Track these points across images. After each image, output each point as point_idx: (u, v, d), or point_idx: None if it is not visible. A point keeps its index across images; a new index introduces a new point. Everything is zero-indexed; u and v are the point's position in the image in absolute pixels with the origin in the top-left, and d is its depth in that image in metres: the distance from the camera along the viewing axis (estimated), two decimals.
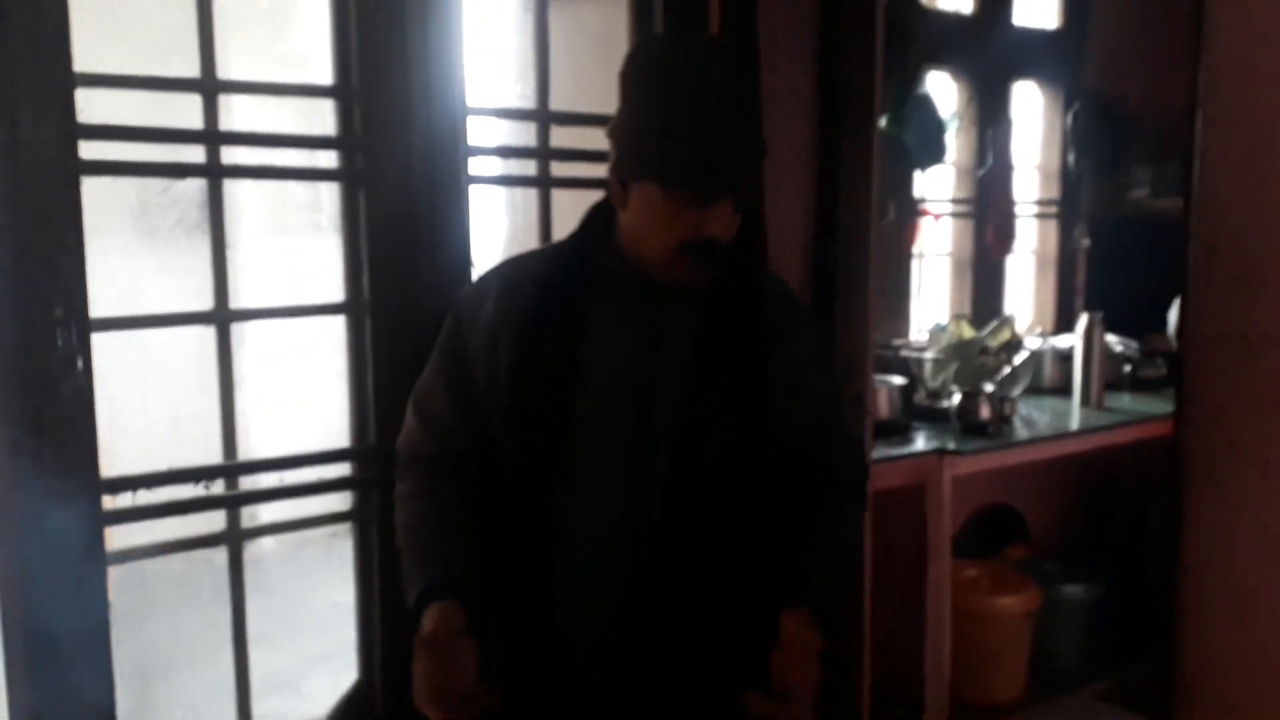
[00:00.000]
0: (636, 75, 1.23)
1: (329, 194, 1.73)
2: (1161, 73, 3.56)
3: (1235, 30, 1.30)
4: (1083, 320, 2.99)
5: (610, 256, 1.28)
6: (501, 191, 1.97)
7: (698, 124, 1.15)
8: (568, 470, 1.24)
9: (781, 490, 1.33)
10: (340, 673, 1.79)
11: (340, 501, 1.77)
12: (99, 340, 1.43)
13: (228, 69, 1.67)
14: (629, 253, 1.25)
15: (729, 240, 1.22)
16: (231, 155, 1.64)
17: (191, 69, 1.56)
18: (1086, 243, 3.80)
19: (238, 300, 1.65)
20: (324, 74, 1.71)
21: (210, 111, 1.58)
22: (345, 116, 1.71)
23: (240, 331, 1.75)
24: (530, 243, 1.95)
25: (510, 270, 1.34)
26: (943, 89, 3.48)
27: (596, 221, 1.32)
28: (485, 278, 1.36)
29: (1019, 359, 3.01)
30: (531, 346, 1.25)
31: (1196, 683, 1.39)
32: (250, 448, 1.72)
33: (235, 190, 2.08)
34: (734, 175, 1.19)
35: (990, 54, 3.50)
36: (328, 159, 1.74)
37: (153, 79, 1.58)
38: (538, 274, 1.30)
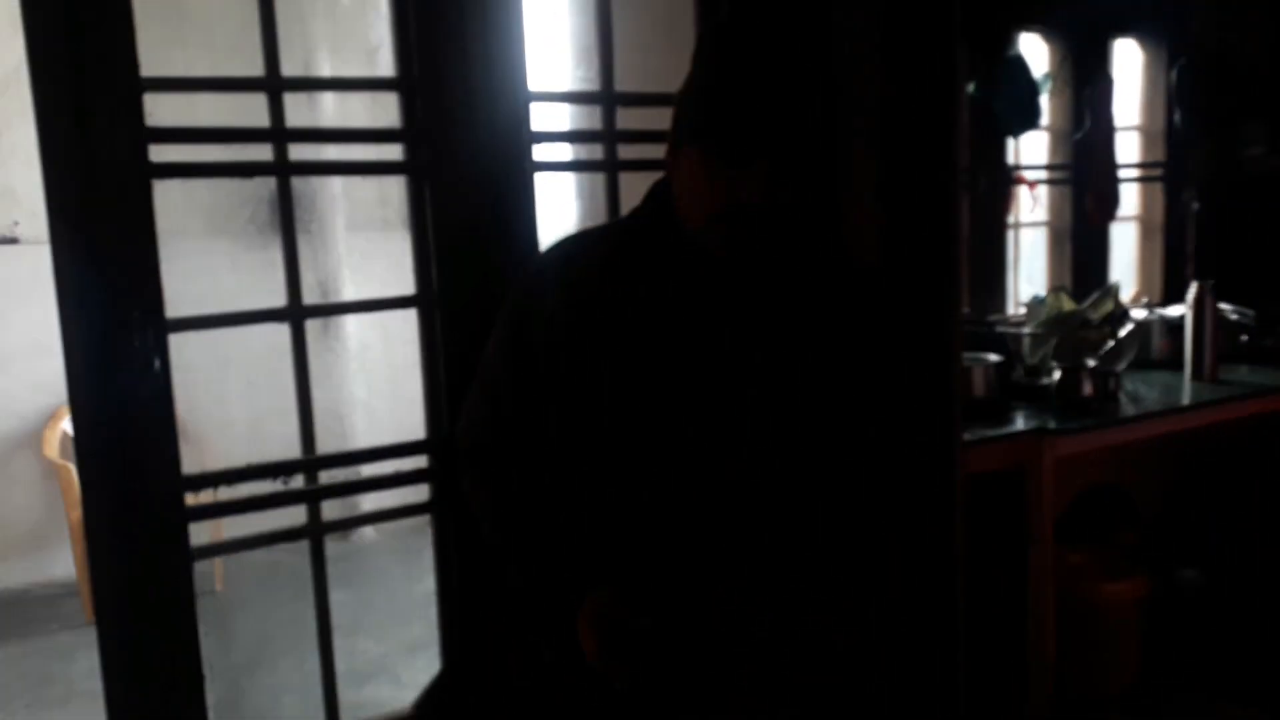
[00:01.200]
0: (696, 45, 1.23)
1: (397, 187, 1.73)
2: (1273, 20, 3.33)
3: None
4: (1193, 288, 2.82)
5: (667, 231, 1.25)
6: (569, 176, 1.94)
7: (731, 85, 1.14)
8: (628, 453, 1.21)
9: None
10: (436, 660, 1.80)
11: (419, 493, 1.77)
12: (176, 340, 1.46)
13: (294, 66, 1.68)
14: (683, 226, 1.23)
15: (764, 206, 1.17)
16: (315, 152, 1.65)
17: (256, 68, 1.57)
18: (1196, 206, 3.58)
19: (336, 294, 1.67)
20: (388, 66, 1.71)
21: (276, 109, 1.59)
22: (409, 108, 1.70)
23: (331, 327, 1.77)
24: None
25: (572, 248, 1.33)
26: (1035, 51, 3.32)
27: (657, 196, 1.29)
28: (546, 255, 1.35)
29: (1124, 331, 2.85)
30: (594, 325, 1.23)
31: None
32: (343, 440, 1.73)
33: (313, 187, 2.13)
34: (762, 137, 1.14)
35: (1085, 11, 3.32)
36: (393, 152, 1.74)
37: (217, 79, 1.60)
38: (599, 251, 1.28)
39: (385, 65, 1.72)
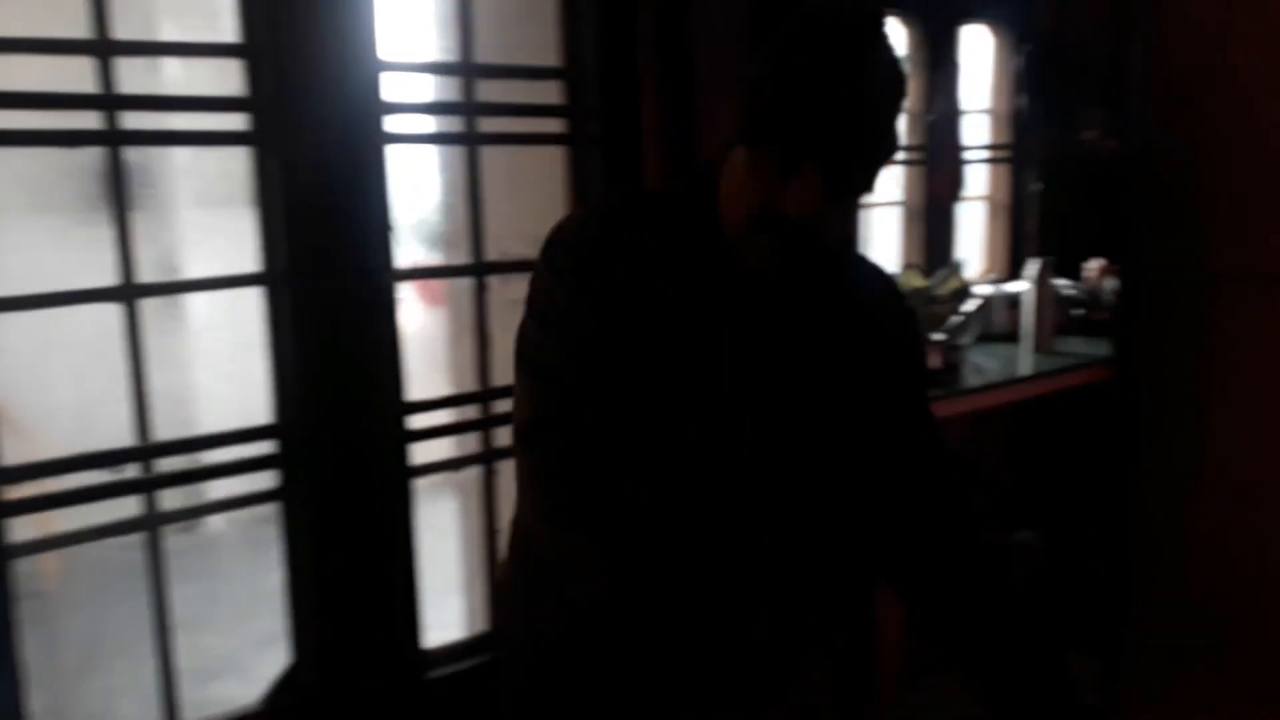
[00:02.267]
0: (773, 35, 1.06)
1: (242, 160, 1.64)
2: (1110, 13, 3.52)
3: None
4: (1032, 265, 2.96)
5: (708, 227, 1.12)
6: (435, 149, 1.89)
7: (800, 84, 0.99)
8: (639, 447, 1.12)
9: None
10: (286, 655, 1.74)
11: (266, 480, 1.70)
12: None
13: (131, 30, 1.57)
14: (723, 225, 1.12)
15: (809, 221, 1.04)
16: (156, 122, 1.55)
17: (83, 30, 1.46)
18: (1038, 187, 3.76)
19: (178, 272, 1.57)
20: (231, 32, 1.62)
21: (105, 74, 1.49)
22: (255, 76, 1.62)
23: (172, 307, 1.67)
24: (458, 201, 1.88)
25: (613, 227, 1.15)
26: (901, 36, 3.42)
27: (701, 186, 1.16)
28: (586, 223, 1.17)
29: (969, 306, 2.98)
30: (626, 316, 1.11)
31: (1147, 623, 1.38)
32: (185, 426, 1.64)
33: (151, 159, 1.98)
34: (826, 148, 1.00)
35: None
36: (238, 122, 1.65)
37: (40, 41, 1.48)
38: (637, 236, 1.13)
39: (231, 31, 1.62)
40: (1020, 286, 3.12)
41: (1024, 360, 2.89)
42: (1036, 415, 3.23)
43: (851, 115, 0.99)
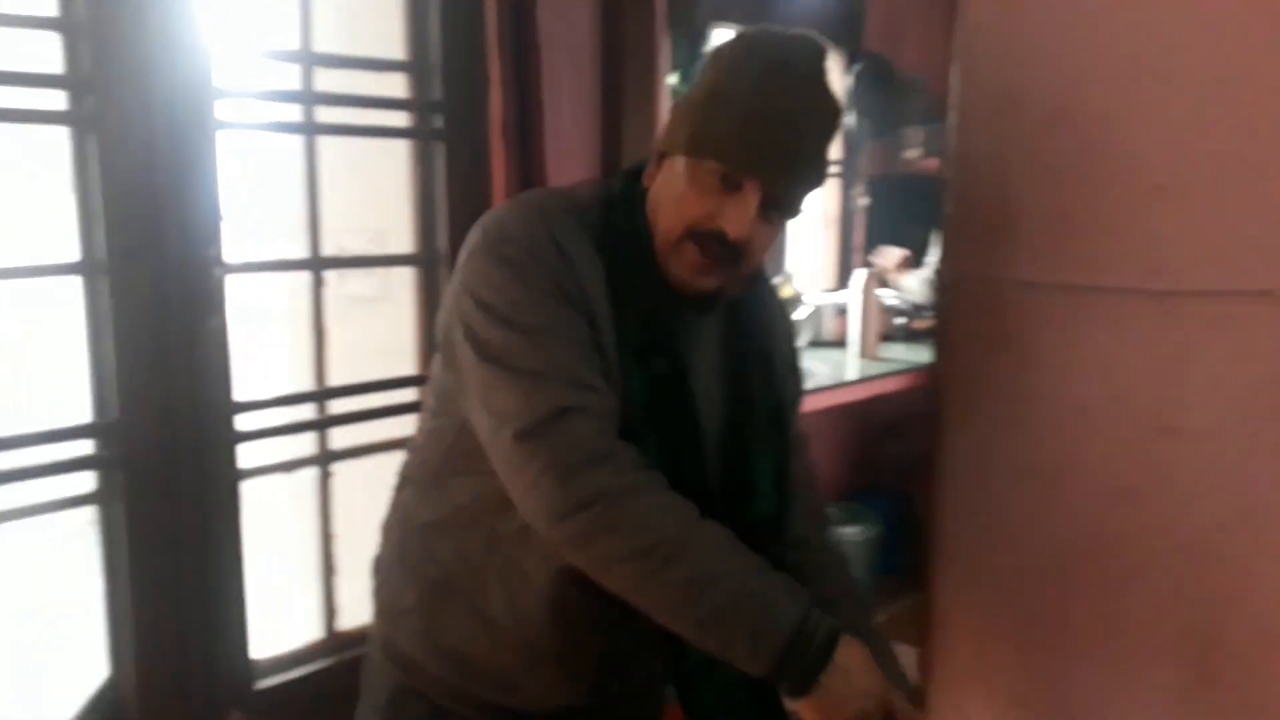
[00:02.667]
0: (719, 55, 1.09)
1: (57, 140, 1.54)
2: (932, 36, 3.76)
3: None
4: (859, 276, 3.13)
5: (642, 236, 1.11)
6: (267, 139, 1.82)
7: (749, 106, 1.02)
8: None
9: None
10: (93, 669, 1.64)
11: (83, 482, 1.60)
12: None
13: None
14: (652, 235, 1.11)
15: (742, 245, 1.06)
16: None
17: None
18: (865, 201, 3.97)
19: None
20: (48, 4, 1.52)
21: None
22: (73, 53, 1.52)
23: None
24: (296, 196, 1.82)
25: (553, 226, 1.09)
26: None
27: (630, 195, 1.14)
28: (531, 222, 1.08)
29: (799, 315, 3.12)
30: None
31: (948, 610, 1.48)
32: None
33: None
34: (764, 166, 1.04)
35: (776, 13, 3.58)
36: (54, 100, 1.55)
37: None
38: (581, 241, 1.09)
39: (50, 3, 1.52)
40: (848, 296, 3.29)
41: (851, 365, 3.04)
42: (872, 417, 3.41)
43: (788, 138, 1.04)
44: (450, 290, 1.13)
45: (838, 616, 1.04)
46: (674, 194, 1.08)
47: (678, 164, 1.08)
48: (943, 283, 1.42)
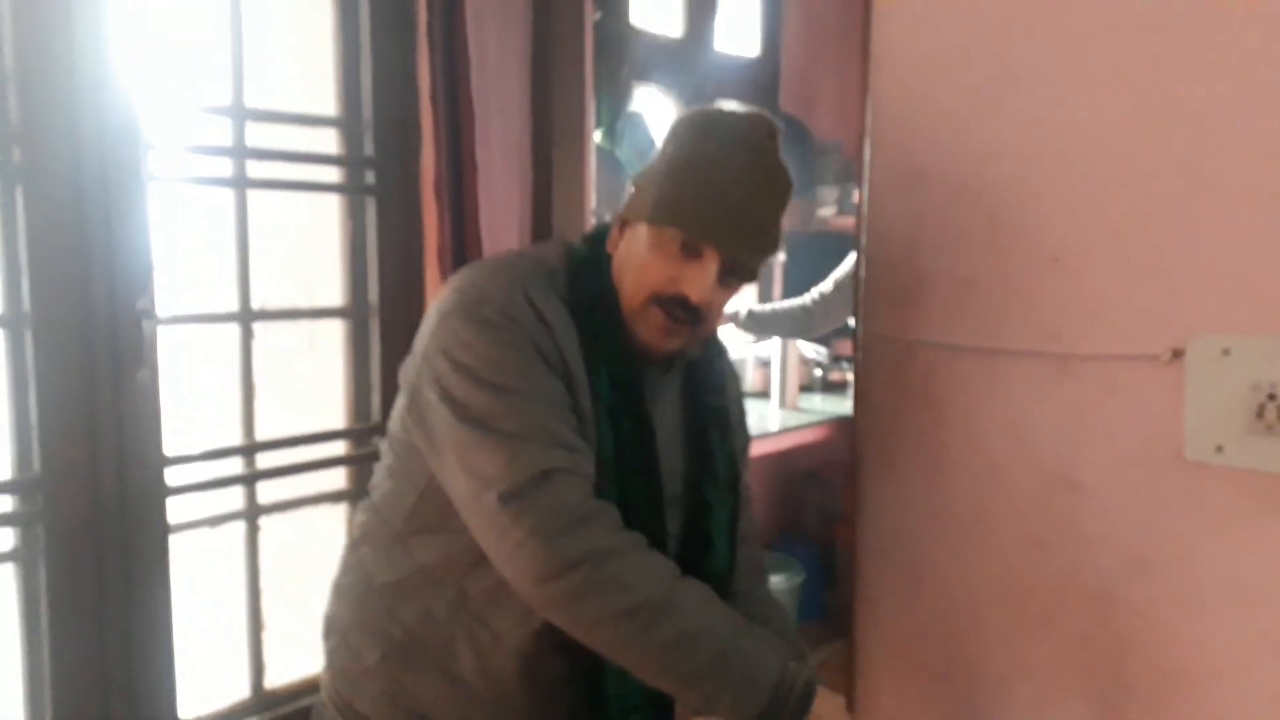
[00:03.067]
0: (678, 129, 1.16)
1: None
2: (843, 100, 3.93)
3: (897, 66, 1.46)
4: None
5: (610, 299, 1.17)
6: (198, 192, 1.82)
7: (709, 178, 1.10)
8: None
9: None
10: None
11: (3, 539, 1.56)
12: None
13: None
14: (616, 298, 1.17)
15: (704, 309, 1.13)
16: None
17: None
18: (781, 257, 4.10)
19: None
20: None
21: None
22: (0, 104, 1.51)
23: None
24: (227, 249, 1.82)
25: (530, 291, 1.12)
26: (659, 105, 3.64)
27: (596, 259, 1.19)
28: (508, 286, 1.11)
29: None
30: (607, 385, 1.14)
31: (870, 656, 1.53)
32: None
33: None
34: (735, 241, 1.11)
35: (696, 76, 3.70)
36: None
37: None
38: (553, 305, 1.13)
39: None
40: (769, 349, 3.38)
41: (773, 416, 3.13)
42: (792, 466, 3.49)
43: (744, 209, 1.11)
44: (420, 351, 1.14)
45: None
46: (637, 260, 1.14)
47: (640, 231, 1.14)
48: (859, 343, 1.49)
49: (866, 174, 1.47)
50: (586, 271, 1.18)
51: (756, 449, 2.93)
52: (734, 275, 1.15)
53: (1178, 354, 1.20)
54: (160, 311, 1.66)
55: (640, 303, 1.14)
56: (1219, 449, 1.18)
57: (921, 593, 1.45)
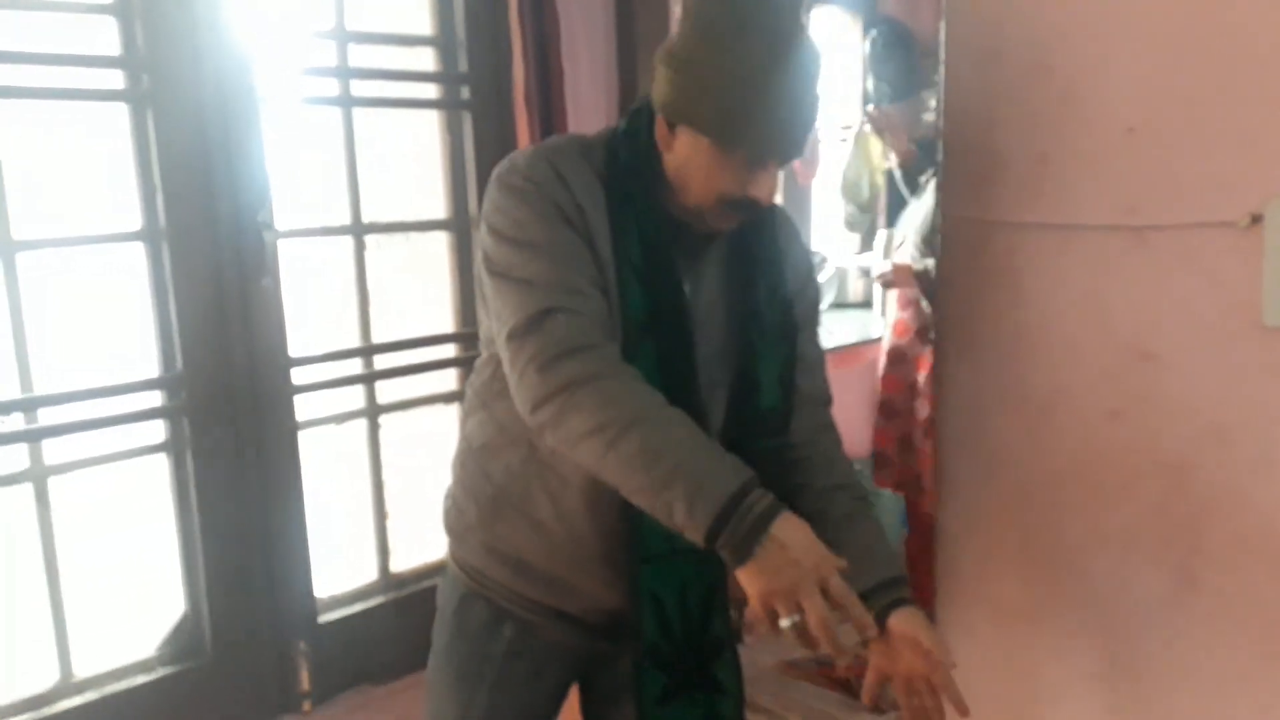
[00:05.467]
0: (723, 21, 1.14)
1: (117, 116, 1.67)
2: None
3: None
4: (880, 236, 3.21)
5: (653, 178, 1.23)
6: (308, 112, 1.94)
7: (772, 96, 1.13)
8: None
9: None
10: (168, 608, 1.79)
11: (153, 432, 1.75)
12: None
13: None
14: (674, 188, 1.22)
15: (770, 200, 1.21)
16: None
17: None
18: (889, 165, 4.03)
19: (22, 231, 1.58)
20: None
21: None
22: (128, 35, 1.65)
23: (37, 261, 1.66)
24: (337, 166, 1.95)
25: (561, 166, 1.20)
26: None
27: (638, 140, 1.24)
28: (538, 156, 1.21)
29: (824, 276, 3.21)
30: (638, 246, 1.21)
31: (952, 533, 1.57)
32: (52, 382, 1.66)
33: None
34: (795, 147, 1.19)
35: None
36: (113, 79, 1.68)
37: None
38: (587, 178, 1.21)
39: None
40: (871, 259, 3.37)
41: (874, 324, 3.14)
42: None
43: (801, 118, 1.17)
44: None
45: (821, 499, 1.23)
46: (702, 171, 1.19)
47: (702, 145, 1.17)
48: (941, 225, 1.51)
49: (942, 55, 1.47)
50: (623, 146, 1.25)
51: (857, 358, 2.95)
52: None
53: (1256, 219, 1.19)
54: (280, 226, 1.80)
55: (709, 206, 1.20)
56: None
57: (1000, 469, 1.49)
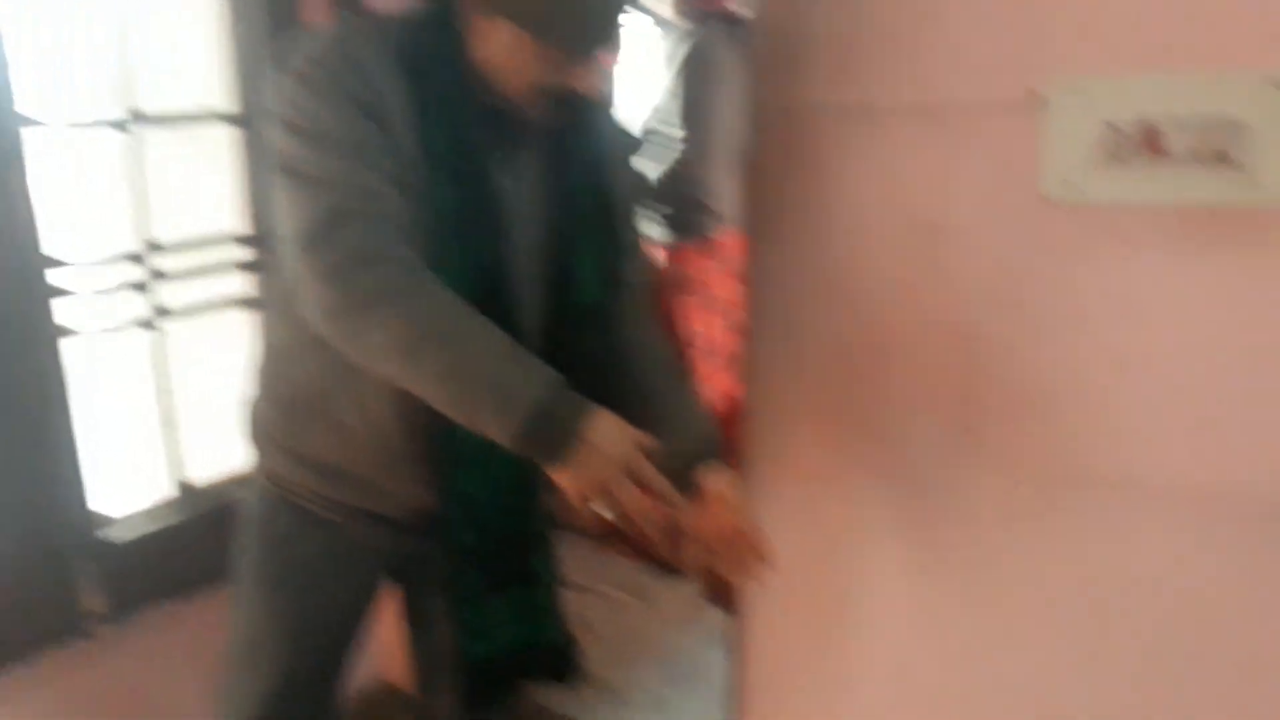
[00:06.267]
0: None
1: None
2: None
3: None
4: None
5: (459, 61, 1.16)
6: None
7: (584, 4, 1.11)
8: None
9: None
10: None
11: None
12: None
13: None
14: (485, 73, 1.16)
15: (591, 90, 1.19)
16: None
17: None
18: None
19: None
20: None
21: None
22: None
23: None
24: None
25: (354, 51, 1.12)
26: None
27: (447, 27, 1.17)
28: (331, 43, 1.12)
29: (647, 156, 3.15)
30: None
31: (758, 404, 1.62)
32: None
33: None
34: (611, 34, 1.15)
35: None
36: None
37: None
38: (385, 63, 1.12)
39: None
40: None
41: None
42: None
43: (616, 9, 1.14)
44: None
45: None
46: (518, 64, 1.14)
47: (520, 38, 1.12)
48: (751, 112, 1.52)
49: None
50: (427, 29, 1.17)
51: None
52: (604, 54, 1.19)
53: (1034, 96, 1.26)
54: (35, 115, 1.60)
55: (525, 94, 1.17)
56: (1072, 185, 1.26)
57: (801, 342, 1.54)
